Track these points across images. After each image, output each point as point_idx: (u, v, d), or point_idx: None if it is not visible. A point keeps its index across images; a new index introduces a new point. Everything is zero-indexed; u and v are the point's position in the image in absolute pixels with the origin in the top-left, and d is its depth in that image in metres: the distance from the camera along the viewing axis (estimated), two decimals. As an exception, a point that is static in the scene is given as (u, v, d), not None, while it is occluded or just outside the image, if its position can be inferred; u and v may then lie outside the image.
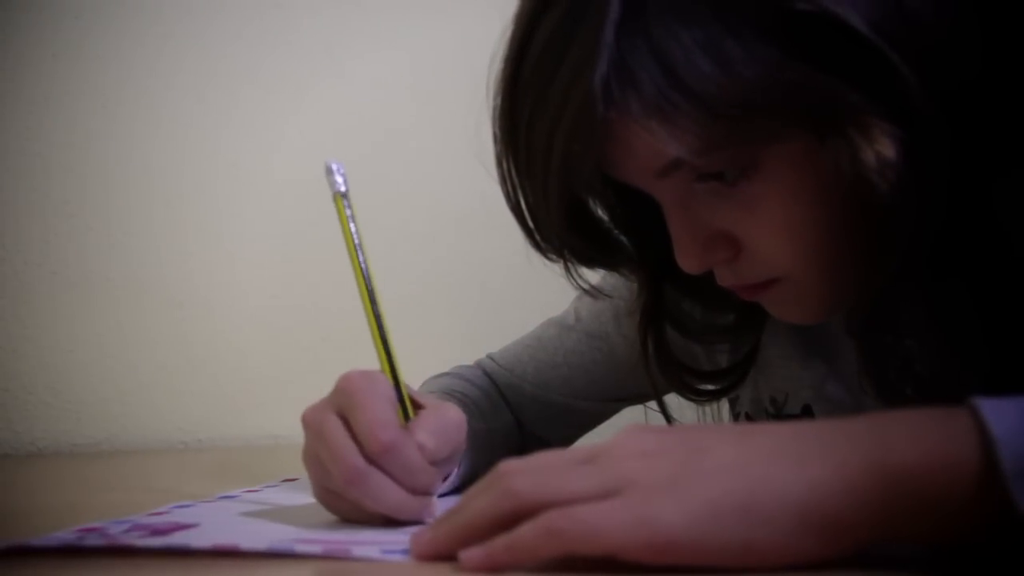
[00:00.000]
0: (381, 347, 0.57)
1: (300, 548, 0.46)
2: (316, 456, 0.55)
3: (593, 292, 0.67)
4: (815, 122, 0.48)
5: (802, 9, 0.46)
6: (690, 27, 0.47)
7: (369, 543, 0.48)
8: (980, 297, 0.52)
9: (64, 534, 0.50)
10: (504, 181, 0.57)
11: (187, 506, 0.62)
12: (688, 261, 0.56)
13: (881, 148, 0.47)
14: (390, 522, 0.54)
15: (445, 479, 0.64)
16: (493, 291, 1.42)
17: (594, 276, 0.69)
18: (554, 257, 0.61)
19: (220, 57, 1.35)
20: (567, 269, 0.63)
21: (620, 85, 0.48)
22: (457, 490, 0.67)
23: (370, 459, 0.53)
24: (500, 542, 0.40)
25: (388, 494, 0.53)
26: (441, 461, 0.57)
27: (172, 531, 0.52)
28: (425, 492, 0.54)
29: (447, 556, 0.43)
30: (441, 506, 0.50)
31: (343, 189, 0.56)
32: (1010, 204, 0.50)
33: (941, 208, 0.49)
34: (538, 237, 0.59)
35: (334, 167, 0.56)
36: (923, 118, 0.47)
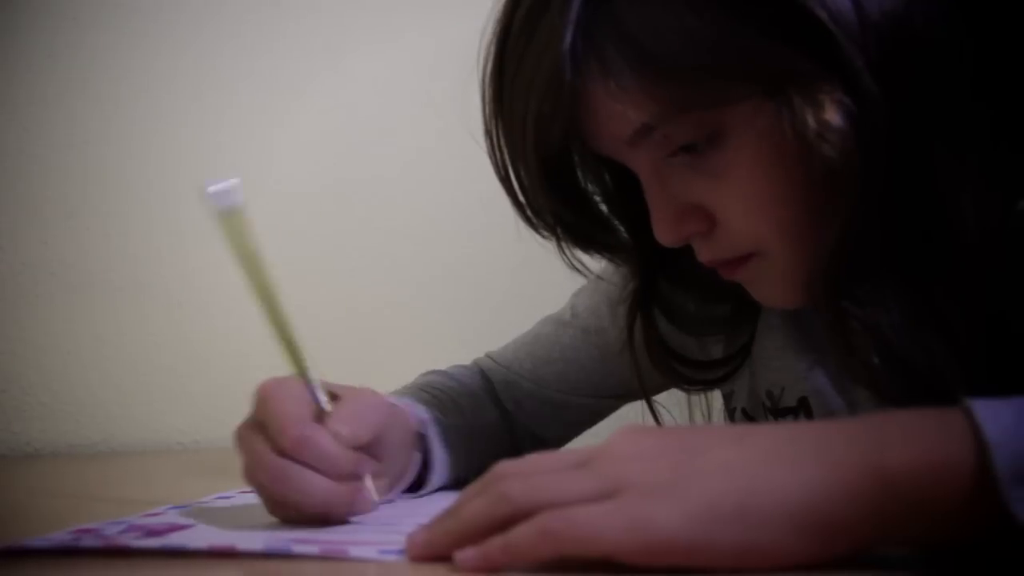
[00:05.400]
0: (285, 347, 0.56)
1: (297, 548, 0.46)
2: (249, 469, 0.57)
3: (585, 271, 0.67)
4: (763, 84, 0.51)
5: None
6: (651, 1, 0.51)
7: (366, 543, 0.48)
8: (942, 272, 0.53)
9: (60, 535, 0.50)
10: (492, 151, 0.60)
11: (182, 507, 0.62)
12: (663, 231, 0.58)
13: (825, 114, 0.50)
14: (338, 520, 0.55)
15: (419, 484, 0.65)
16: (493, 292, 1.42)
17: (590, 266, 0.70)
18: (546, 234, 0.63)
19: (217, 57, 1.35)
20: (560, 248, 0.64)
21: (586, 53, 0.52)
22: (457, 485, 0.68)
23: (289, 456, 0.54)
24: (496, 543, 0.40)
25: (314, 485, 0.54)
26: (367, 444, 0.58)
27: (167, 532, 0.52)
28: (352, 477, 0.55)
29: (442, 557, 0.43)
30: (435, 503, 0.50)
31: (239, 203, 0.50)
32: (953, 187, 0.51)
33: (885, 179, 0.51)
34: (529, 212, 0.61)
35: (218, 188, 0.50)
36: (868, 93, 0.50)
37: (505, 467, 0.44)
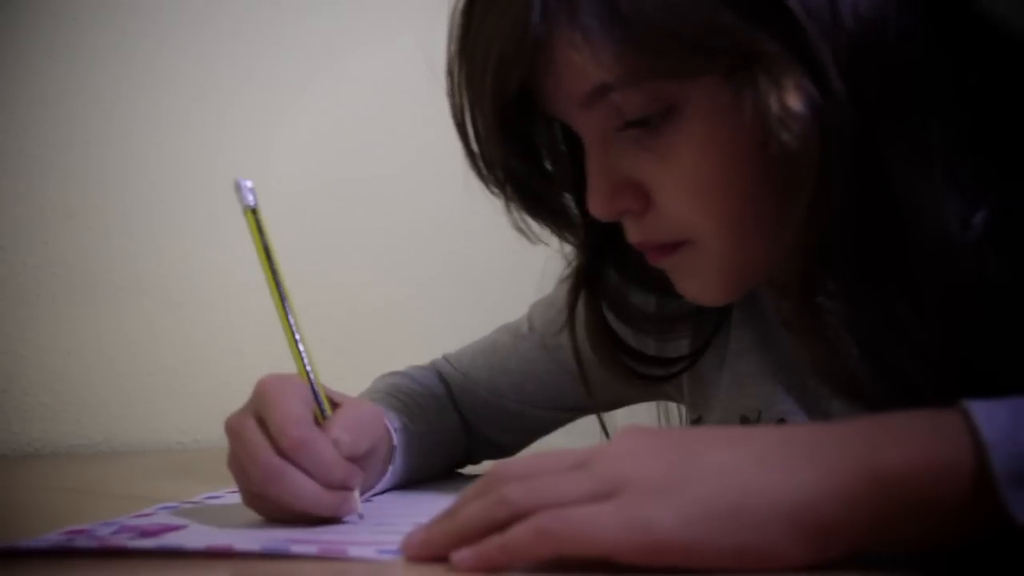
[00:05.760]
0: (295, 350, 0.57)
1: (296, 548, 0.46)
2: (238, 460, 0.57)
3: (530, 234, 0.65)
4: (731, 61, 0.50)
5: None
6: None
7: (364, 543, 0.48)
8: (905, 278, 0.52)
9: (53, 536, 0.50)
10: (452, 92, 0.59)
11: (172, 507, 0.62)
12: (596, 203, 0.57)
13: (788, 98, 0.49)
14: (316, 520, 0.55)
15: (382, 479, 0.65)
16: (493, 292, 1.42)
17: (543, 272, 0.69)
18: (495, 190, 0.62)
19: (217, 57, 1.35)
20: (507, 207, 0.63)
21: (556, 2, 0.52)
22: (458, 484, 0.67)
23: (286, 456, 0.54)
24: (493, 542, 0.40)
25: (304, 489, 0.54)
26: (362, 456, 0.58)
27: (161, 532, 0.52)
28: (342, 487, 0.55)
29: (439, 557, 0.43)
30: (434, 504, 0.50)
31: (254, 204, 0.56)
32: (911, 187, 0.51)
33: (845, 177, 0.50)
34: (481, 163, 0.60)
35: (244, 184, 0.56)
36: (833, 88, 0.49)
37: (505, 469, 0.44)
